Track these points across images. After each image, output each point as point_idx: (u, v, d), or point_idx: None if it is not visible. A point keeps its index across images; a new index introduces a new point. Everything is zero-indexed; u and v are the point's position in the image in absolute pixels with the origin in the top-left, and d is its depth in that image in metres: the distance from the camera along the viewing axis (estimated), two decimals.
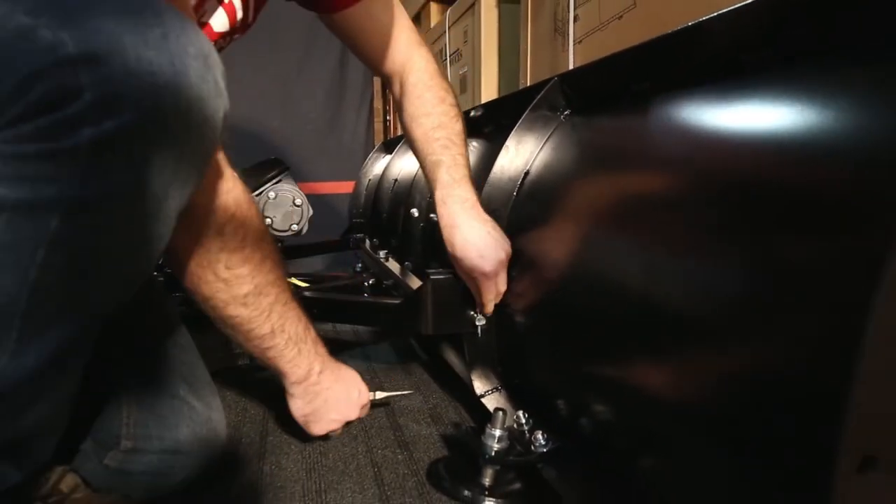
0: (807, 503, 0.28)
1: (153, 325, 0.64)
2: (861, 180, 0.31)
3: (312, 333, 0.65)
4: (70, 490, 0.51)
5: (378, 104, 2.72)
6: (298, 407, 0.69)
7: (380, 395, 0.79)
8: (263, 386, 0.94)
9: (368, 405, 0.75)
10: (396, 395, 0.84)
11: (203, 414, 0.62)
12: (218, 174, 0.48)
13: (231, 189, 0.49)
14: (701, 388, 0.40)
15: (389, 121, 2.86)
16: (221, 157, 0.48)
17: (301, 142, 2.32)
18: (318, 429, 0.70)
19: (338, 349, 1.15)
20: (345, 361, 1.08)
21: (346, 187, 2.30)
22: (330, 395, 0.68)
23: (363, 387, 0.73)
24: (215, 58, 0.39)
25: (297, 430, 0.78)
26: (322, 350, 0.67)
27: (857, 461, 0.25)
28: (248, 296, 0.54)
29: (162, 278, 1.11)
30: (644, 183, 0.56)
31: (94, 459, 0.57)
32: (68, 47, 0.31)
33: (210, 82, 0.38)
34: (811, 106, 0.39)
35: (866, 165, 0.31)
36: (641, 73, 0.61)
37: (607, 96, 0.67)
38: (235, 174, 0.50)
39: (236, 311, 0.55)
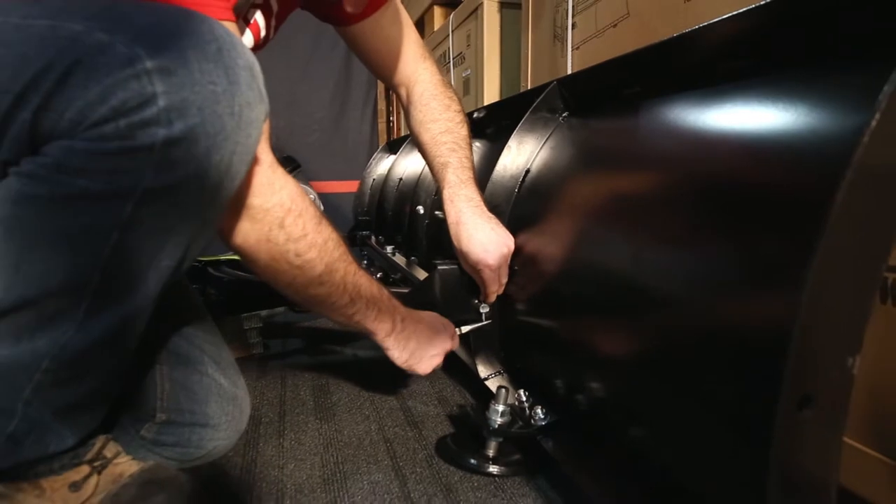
0: (755, 438, 0.33)
1: (182, 308, 0.69)
2: (802, 170, 0.36)
3: (385, 292, 0.69)
4: (113, 456, 0.57)
5: (381, 105, 2.77)
6: (398, 356, 0.72)
7: (465, 328, 0.80)
8: (278, 372, 1.00)
9: (457, 335, 0.78)
10: (476, 327, 0.81)
11: (229, 391, 0.67)
12: (270, 175, 0.53)
13: (283, 185, 0.54)
14: (676, 358, 0.46)
15: (393, 122, 2.91)
16: (272, 159, 0.53)
17: (306, 143, 2.37)
18: (423, 367, 0.74)
19: (346, 340, 1.20)
20: (353, 353, 1.15)
21: (350, 187, 2.36)
22: (420, 335, 0.73)
23: (445, 320, 0.77)
24: (258, 68, 0.45)
25: (311, 412, 0.83)
26: (397, 303, 0.71)
27: (796, 400, 0.30)
28: (321, 275, 0.58)
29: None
30: (633, 179, 0.61)
31: (132, 430, 0.63)
32: (144, 60, 0.37)
33: (256, 90, 0.44)
34: (778, 109, 0.45)
35: (809, 159, 0.37)
36: (632, 78, 0.66)
37: (601, 99, 0.73)
38: (285, 172, 0.55)
39: (316, 291, 0.60)
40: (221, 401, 0.66)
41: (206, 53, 0.40)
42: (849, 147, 0.34)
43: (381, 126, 2.82)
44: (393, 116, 2.92)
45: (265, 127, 0.50)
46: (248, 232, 0.53)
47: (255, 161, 0.50)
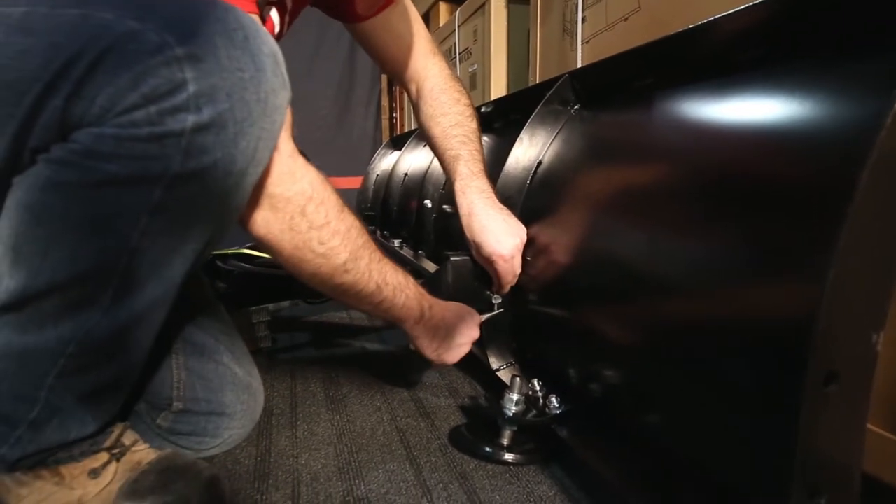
0: (780, 417, 0.33)
1: (197, 297, 0.70)
2: (824, 154, 0.37)
3: (411, 279, 0.68)
4: (131, 443, 0.57)
5: (385, 102, 2.78)
6: (427, 344, 0.71)
7: (485, 316, 0.78)
8: (287, 366, 1.00)
9: (480, 323, 0.77)
10: (491, 316, 0.80)
11: (244, 380, 0.68)
12: (291, 164, 0.52)
13: (304, 174, 0.54)
14: (697, 341, 0.46)
15: (396, 118, 2.92)
16: (293, 148, 0.53)
17: (310, 139, 2.38)
18: (452, 357, 0.73)
19: (354, 334, 1.21)
20: (361, 346, 1.15)
21: (353, 183, 2.36)
22: (448, 323, 0.72)
23: (469, 308, 0.76)
24: (281, 56, 0.45)
25: (322, 403, 0.84)
26: (423, 291, 0.70)
27: (823, 376, 0.31)
28: (346, 263, 0.58)
29: None
30: (646, 170, 0.61)
31: (148, 419, 0.63)
32: (174, 48, 0.38)
33: (280, 76, 0.44)
34: (796, 97, 0.45)
35: (830, 144, 0.37)
36: (646, 70, 0.67)
37: (614, 92, 0.73)
38: (306, 161, 0.54)
39: (341, 279, 0.59)
40: (237, 389, 0.67)
41: (233, 41, 0.40)
42: (871, 131, 0.34)
43: (385, 123, 2.83)
44: (396, 113, 2.93)
45: (287, 115, 0.51)
46: (270, 221, 0.53)
47: (276, 151, 0.51)
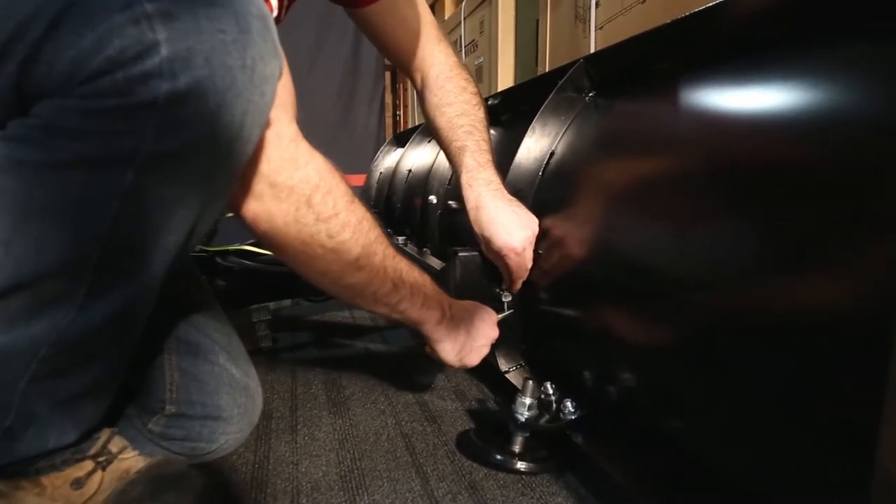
0: (854, 431, 0.29)
1: (191, 295, 0.66)
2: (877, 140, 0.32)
3: (427, 277, 0.63)
4: (119, 450, 0.53)
5: (388, 99, 2.74)
6: (448, 348, 0.65)
7: (500, 315, 0.74)
8: (288, 366, 0.97)
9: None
10: (507, 314, 0.76)
11: (241, 381, 0.64)
12: (293, 149, 0.48)
13: (309, 160, 0.49)
14: (736, 343, 0.42)
15: (399, 115, 2.88)
16: (295, 132, 0.48)
17: (313, 136, 2.33)
18: (473, 359, 0.68)
19: (358, 333, 1.17)
20: (364, 346, 1.11)
21: (356, 181, 2.32)
22: (469, 324, 0.67)
23: (485, 307, 0.71)
24: (272, 21, 0.40)
25: (324, 406, 0.80)
26: (440, 289, 0.65)
27: None
28: (359, 259, 0.53)
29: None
30: (669, 161, 0.57)
31: (139, 424, 0.59)
32: (143, 3, 0.33)
33: (270, 42, 0.39)
34: (831, 83, 0.41)
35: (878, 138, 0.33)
36: (667, 52, 0.63)
37: (632, 77, 0.69)
38: (311, 147, 0.50)
39: (354, 278, 0.54)
40: (233, 392, 0.63)
41: None
42: None
43: (388, 120, 2.79)
44: (400, 110, 2.90)
45: (289, 97, 0.46)
46: (273, 214, 0.48)
47: (276, 135, 0.46)
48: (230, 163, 0.41)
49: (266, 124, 0.44)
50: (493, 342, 0.70)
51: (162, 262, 0.43)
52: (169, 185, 0.39)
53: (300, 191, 0.48)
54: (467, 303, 0.69)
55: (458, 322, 0.65)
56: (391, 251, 0.57)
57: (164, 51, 0.33)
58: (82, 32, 0.33)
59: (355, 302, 0.58)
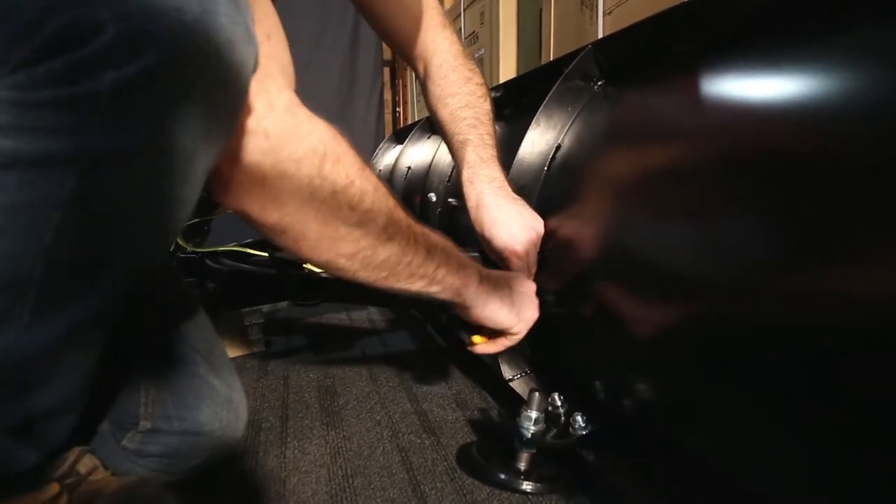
0: None
1: (171, 302, 0.61)
2: None
3: (450, 241, 0.56)
4: (88, 471, 0.49)
5: (388, 96, 2.69)
6: (497, 309, 0.57)
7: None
8: (280, 372, 0.92)
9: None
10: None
11: (223, 393, 0.59)
12: (290, 119, 0.41)
13: (311, 128, 0.42)
14: (778, 359, 0.37)
15: (399, 112, 2.83)
16: (291, 98, 0.42)
17: None
18: (530, 315, 0.60)
19: (355, 337, 1.12)
20: (361, 350, 1.07)
21: None
22: (507, 286, 0.59)
23: (520, 274, 0.63)
24: (247, 0, 0.35)
25: (316, 416, 0.75)
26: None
27: None
28: (387, 227, 0.47)
29: (175, 263, 1.09)
30: (688, 154, 0.52)
31: (112, 441, 0.55)
32: None
33: (241, 26, 0.33)
34: (882, 65, 0.36)
35: None
36: (684, 35, 0.58)
37: (644, 63, 0.64)
38: (311, 113, 0.43)
39: (387, 251, 0.48)
40: (215, 405, 0.58)
41: None
42: None
43: (388, 117, 2.74)
44: (399, 107, 2.85)
45: (280, 65, 0.41)
46: (283, 200, 0.41)
47: (268, 106, 0.41)
48: (195, 165, 0.36)
49: (248, 110, 0.38)
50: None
51: (119, 275, 0.38)
52: (121, 192, 0.33)
53: (309, 161, 0.41)
54: (497, 271, 0.62)
55: (496, 281, 0.58)
56: (410, 218, 0.51)
57: (109, 33, 0.28)
58: (10, 12, 0.28)
59: (389, 283, 0.50)
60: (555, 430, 0.57)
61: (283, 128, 0.41)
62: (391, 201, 0.48)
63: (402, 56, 0.82)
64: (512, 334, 0.60)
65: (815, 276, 0.36)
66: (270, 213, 0.42)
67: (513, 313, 0.59)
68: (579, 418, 0.56)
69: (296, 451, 0.66)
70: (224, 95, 0.35)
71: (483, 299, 0.56)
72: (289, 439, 0.69)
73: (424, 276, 0.52)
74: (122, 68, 0.29)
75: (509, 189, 0.69)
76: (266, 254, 0.91)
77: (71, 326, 0.36)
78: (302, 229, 0.44)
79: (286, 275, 0.84)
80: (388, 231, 0.47)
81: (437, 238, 0.53)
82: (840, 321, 0.34)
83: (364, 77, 2.48)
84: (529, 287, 0.62)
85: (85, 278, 0.35)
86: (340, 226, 0.44)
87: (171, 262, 0.93)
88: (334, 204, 0.43)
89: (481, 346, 0.61)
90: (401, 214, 0.48)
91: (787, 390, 0.37)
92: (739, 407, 0.41)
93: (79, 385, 0.42)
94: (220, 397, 0.59)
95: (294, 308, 1.28)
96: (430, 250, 0.51)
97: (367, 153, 2.28)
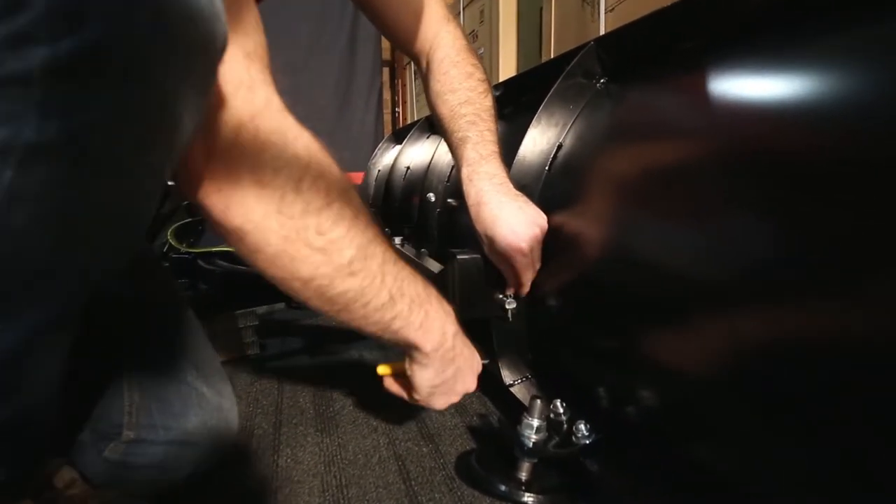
0: None
1: (158, 305, 0.59)
2: None
3: (433, 290, 0.53)
4: (65, 486, 0.47)
5: (387, 96, 2.68)
6: (428, 378, 0.56)
7: (484, 361, 0.65)
8: (275, 376, 0.90)
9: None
10: (486, 362, 0.67)
11: (213, 401, 0.57)
12: (281, 119, 0.39)
13: (298, 135, 0.40)
14: (793, 365, 0.35)
15: (398, 112, 2.82)
16: (276, 102, 0.40)
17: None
18: (442, 402, 0.59)
19: (351, 339, 1.10)
20: (359, 354, 1.04)
21: (354, 179, 2.26)
22: (462, 361, 0.57)
23: (478, 354, 0.62)
24: None
25: (311, 422, 0.73)
26: (448, 308, 0.55)
27: None
28: (353, 262, 0.44)
29: (167, 264, 1.07)
30: (696, 152, 0.50)
31: (93, 451, 0.52)
32: None
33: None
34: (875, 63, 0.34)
35: None
36: (690, 31, 0.56)
37: (648, 60, 0.62)
38: (297, 122, 0.41)
39: (345, 285, 0.44)
40: (203, 414, 0.56)
41: None
42: None
43: (387, 117, 2.73)
44: (399, 107, 2.83)
45: (260, 50, 0.38)
46: (250, 204, 0.39)
47: (266, 103, 0.38)
48: (146, 158, 0.32)
49: (221, 102, 0.36)
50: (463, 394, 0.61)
51: (77, 281, 0.34)
52: (64, 188, 0.29)
53: (287, 173, 0.39)
54: (468, 341, 0.59)
55: (455, 356, 0.56)
56: (392, 254, 0.48)
57: (39, 3, 0.24)
58: None
59: (341, 316, 0.48)
60: (557, 439, 0.55)
61: (274, 128, 0.39)
62: (370, 232, 0.45)
63: (404, 51, 0.79)
64: (418, 399, 0.59)
65: (819, 279, 0.34)
66: (234, 216, 0.39)
67: (432, 390, 0.57)
68: (582, 426, 0.53)
69: (288, 460, 0.64)
70: (183, 76, 0.31)
71: (424, 362, 0.54)
72: (282, 447, 0.67)
73: (378, 322, 0.49)
74: (57, 44, 0.25)
75: (511, 185, 0.67)
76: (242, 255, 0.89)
77: (28, 334, 0.32)
78: (260, 241, 0.41)
79: None
80: (353, 266, 0.44)
81: (412, 287, 0.50)
82: (842, 324, 0.32)
83: (362, 77, 2.46)
84: (477, 368, 0.60)
85: (39, 281, 0.31)
86: (302, 247, 0.42)
87: (157, 261, 0.90)
88: (302, 224, 0.41)
89: (387, 380, 0.62)
90: (375, 249, 0.46)
91: (796, 397, 0.35)
92: (748, 415, 0.39)
93: (44, 396, 0.39)
94: (210, 405, 0.56)
95: (290, 310, 1.25)
96: (394, 297, 0.48)
97: (365, 153, 2.26)
